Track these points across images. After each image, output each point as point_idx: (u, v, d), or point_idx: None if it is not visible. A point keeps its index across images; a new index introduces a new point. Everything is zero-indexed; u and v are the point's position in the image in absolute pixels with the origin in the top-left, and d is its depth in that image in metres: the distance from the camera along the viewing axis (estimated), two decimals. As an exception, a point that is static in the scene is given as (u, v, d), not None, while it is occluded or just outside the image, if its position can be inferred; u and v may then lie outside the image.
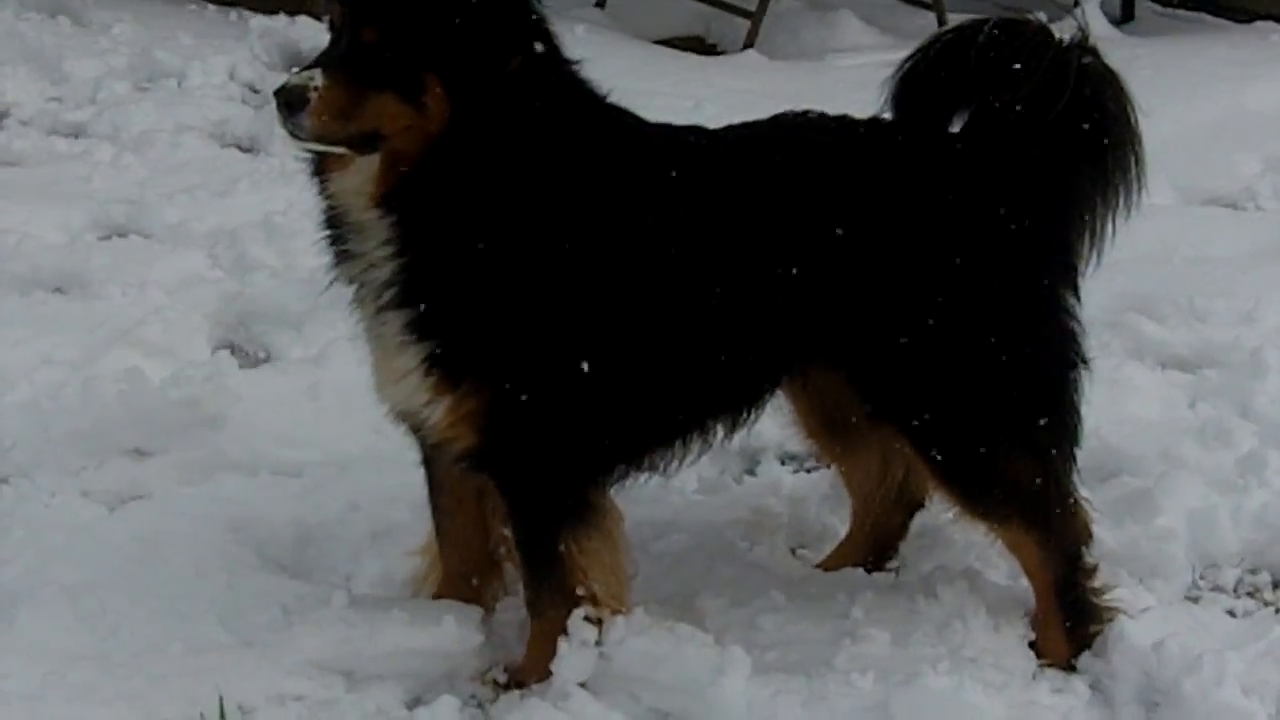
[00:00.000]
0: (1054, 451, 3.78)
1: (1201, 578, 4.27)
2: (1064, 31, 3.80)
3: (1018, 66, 3.67)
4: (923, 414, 3.73)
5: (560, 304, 3.48)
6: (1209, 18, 10.83)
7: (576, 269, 3.48)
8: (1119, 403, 4.93)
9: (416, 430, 3.70)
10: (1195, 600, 4.18)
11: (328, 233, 3.62)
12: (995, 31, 3.72)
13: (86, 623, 3.84)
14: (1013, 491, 3.76)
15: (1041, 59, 3.69)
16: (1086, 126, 3.73)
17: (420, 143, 3.39)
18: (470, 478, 3.75)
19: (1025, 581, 3.94)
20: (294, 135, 3.38)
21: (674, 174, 3.60)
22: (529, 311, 3.48)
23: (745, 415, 3.85)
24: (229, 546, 4.21)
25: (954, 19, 9.03)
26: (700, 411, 3.77)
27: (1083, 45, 3.78)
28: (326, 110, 3.33)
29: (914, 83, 3.83)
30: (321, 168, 3.56)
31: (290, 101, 3.33)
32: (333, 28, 3.48)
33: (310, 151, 3.53)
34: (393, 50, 3.35)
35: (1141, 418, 4.93)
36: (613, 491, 3.73)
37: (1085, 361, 3.81)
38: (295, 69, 3.51)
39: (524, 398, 3.51)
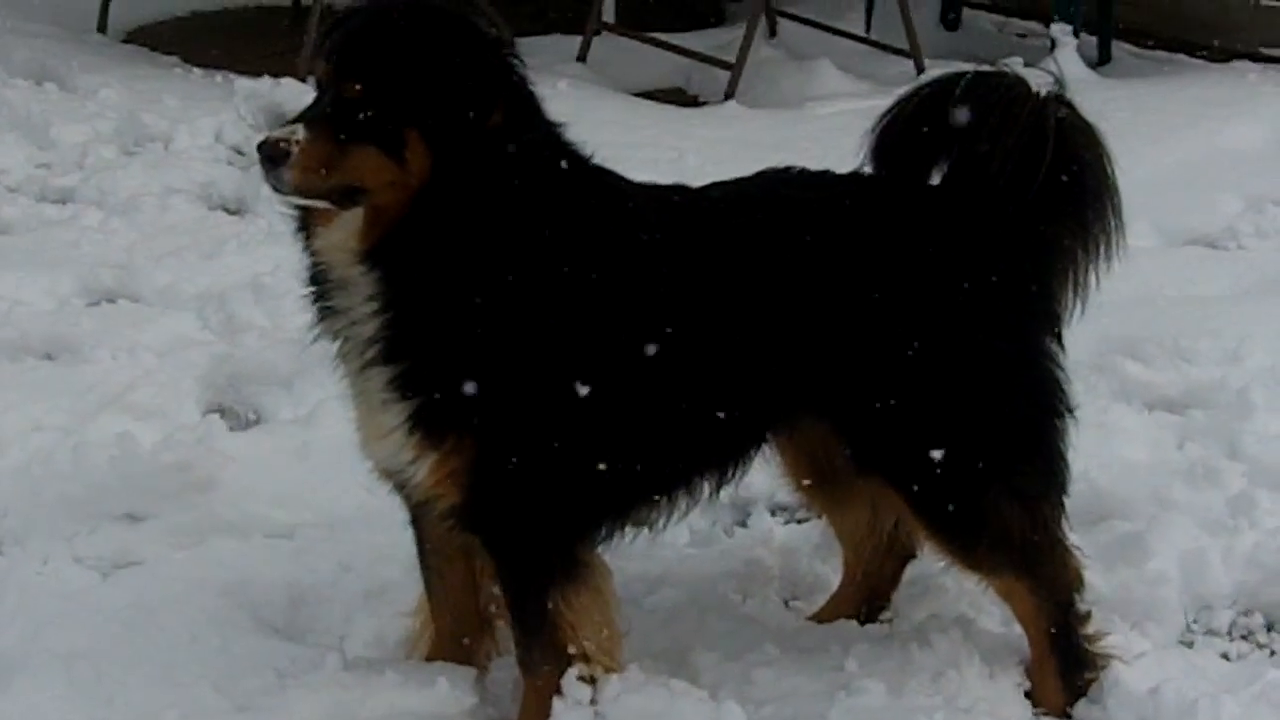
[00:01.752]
0: (1042, 500, 3.79)
1: (1195, 621, 4.26)
2: (1039, 82, 3.83)
3: (994, 121, 3.71)
4: (910, 465, 3.73)
5: (544, 362, 3.48)
6: (1185, 58, 10.91)
7: (560, 326, 3.48)
8: (1107, 446, 4.93)
9: (401, 488, 3.68)
10: (1189, 644, 4.18)
11: (312, 289, 3.62)
12: (971, 85, 3.77)
13: (81, 690, 3.82)
14: (1002, 541, 3.76)
15: (1018, 113, 3.72)
16: (1064, 178, 3.76)
17: (402, 198, 3.39)
18: (458, 536, 3.73)
19: (1019, 628, 3.94)
20: (276, 189, 3.39)
21: (657, 232, 3.61)
22: (513, 369, 3.47)
23: (732, 471, 3.85)
24: (222, 610, 4.20)
25: (931, 65, 9.15)
26: (687, 468, 3.77)
27: (1059, 98, 3.82)
28: (307, 164, 3.33)
29: (892, 137, 3.86)
30: (306, 224, 3.57)
31: (272, 155, 3.34)
32: (319, 85, 3.50)
33: (293, 206, 3.53)
34: (375, 105, 3.36)
35: (1130, 460, 4.93)
36: (602, 548, 3.73)
37: (1071, 409, 3.83)
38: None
39: (509, 456, 3.51)
